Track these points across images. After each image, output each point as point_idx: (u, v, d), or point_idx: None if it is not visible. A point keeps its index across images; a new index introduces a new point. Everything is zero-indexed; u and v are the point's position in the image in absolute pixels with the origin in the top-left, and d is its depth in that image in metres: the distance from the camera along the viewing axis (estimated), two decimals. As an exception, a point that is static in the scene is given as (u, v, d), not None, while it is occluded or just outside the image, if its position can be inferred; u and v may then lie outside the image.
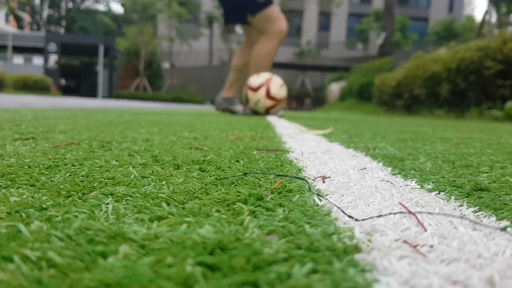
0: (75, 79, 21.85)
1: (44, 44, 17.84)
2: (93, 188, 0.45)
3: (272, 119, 2.76)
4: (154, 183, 0.49)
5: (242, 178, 0.53)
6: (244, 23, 3.81)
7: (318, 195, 0.44)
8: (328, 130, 1.53)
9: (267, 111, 3.55)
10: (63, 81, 20.15)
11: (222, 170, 0.59)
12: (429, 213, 0.37)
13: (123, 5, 21.88)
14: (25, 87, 14.15)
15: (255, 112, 3.61)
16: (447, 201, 0.43)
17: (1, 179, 0.48)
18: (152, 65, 17.91)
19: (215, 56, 22.93)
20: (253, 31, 3.82)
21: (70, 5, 30.79)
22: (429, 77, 5.71)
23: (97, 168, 0.57)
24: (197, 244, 0.28)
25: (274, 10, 3.69)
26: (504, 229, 0.32)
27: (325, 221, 0.35)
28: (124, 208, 0.37)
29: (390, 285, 0.23)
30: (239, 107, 4.00)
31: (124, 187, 0.46)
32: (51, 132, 1.09)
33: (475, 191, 0.50)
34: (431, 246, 0.29)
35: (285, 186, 0.48)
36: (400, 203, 0.40)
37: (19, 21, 29.70)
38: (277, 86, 3.62)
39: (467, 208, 0.41)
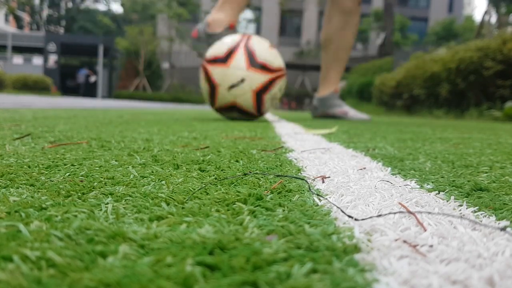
0: (75, 79, 21.81)
1: (43, 44, 17.83)
2: (93, 188, 0.45)
3: (271, 119, 2.75)
4: (153, 183, 0.49)
5: (242, 178, 0.53)
6: None
7: (317, 195, 0.44)
8: (333, 129, 1.53)
9: (260, 99, 2.07)
10: (90, 78, 18.43)
11: (221, 170, 0.59)
12: (429, 213, 0.37)
13: (123, 5, 21.87)
14: (24, 87, 14.15)
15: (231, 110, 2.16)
16: (447, 201, 0.43)
17: (1, 179, 0.48)
18: (151, 65, 17.90)
19: (215, 56, 22.85)
20: None
21: (70, 5, 30.79)
22: (429, 77, 5.71)
23: (97, 168, 0.57)
24: (196, 244, 0.28)
25: None
26: (503, 229, 0.33)
27: (325, 221, 0.35)
28: (124, 208, 0.37)
29: (390, 285, 0.23)
30: (343, 108, 2.91)
31: (124, 187, 0.46)
32: (50, 132, 1.09)
33: (475, 191, 0.50)
34: (431, 246, 0.29)
35: (284, 186, 0.48)
36: (400, 203, 0.40)
37: (18, 21, 29.70)
38: (265, 47, 2.15)
39: (466, 208, 0.41)
